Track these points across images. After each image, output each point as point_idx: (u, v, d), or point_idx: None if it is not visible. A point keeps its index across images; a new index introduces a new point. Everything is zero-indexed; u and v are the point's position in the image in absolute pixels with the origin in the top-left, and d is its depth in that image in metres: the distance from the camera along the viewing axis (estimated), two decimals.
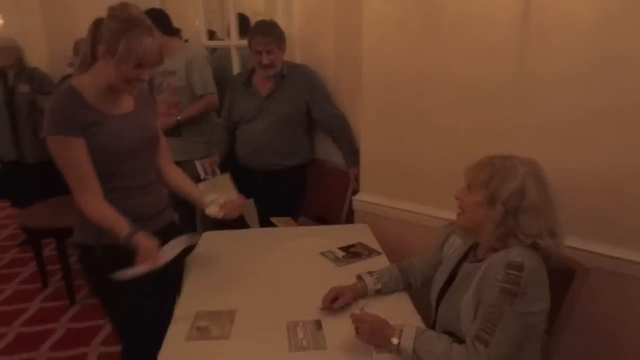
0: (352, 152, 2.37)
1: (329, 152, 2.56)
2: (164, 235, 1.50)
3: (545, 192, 1.20)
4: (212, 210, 1.67)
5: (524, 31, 1.61)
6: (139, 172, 1.53)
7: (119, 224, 1.40)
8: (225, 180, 1.84)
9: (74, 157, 1.38)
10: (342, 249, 1.83)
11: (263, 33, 2.29)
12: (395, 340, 1.18)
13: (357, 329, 1.24)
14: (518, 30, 1.62)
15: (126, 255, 1.39)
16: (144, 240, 1.39)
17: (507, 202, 1.18)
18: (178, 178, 1.71)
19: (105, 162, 1.43)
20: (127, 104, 1.52)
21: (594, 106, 1.51)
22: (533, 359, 1.24)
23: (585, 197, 1.58)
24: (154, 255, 1.39)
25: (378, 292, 1.51)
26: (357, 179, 2.31)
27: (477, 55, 1.73)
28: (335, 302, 1.43)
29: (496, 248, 1.22)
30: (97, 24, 1.39)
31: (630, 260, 1.52)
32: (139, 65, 1.37)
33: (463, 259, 1.36)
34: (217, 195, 1.71)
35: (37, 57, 3.66)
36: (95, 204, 1.42)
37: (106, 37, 1.35)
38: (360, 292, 1.49)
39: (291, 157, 2.47)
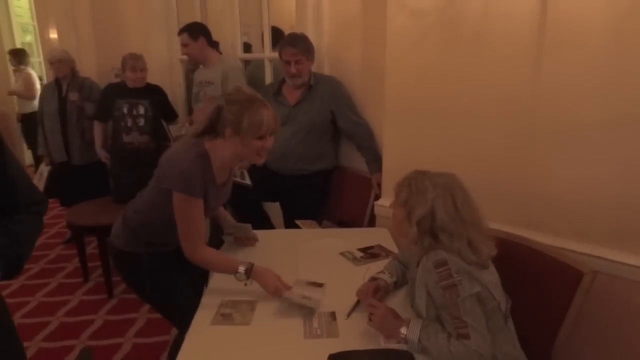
0: (375, 159, 2.46)
1: (353, 159, 2.66)
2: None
3: (457, 212, 1.28)
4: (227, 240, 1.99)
5: (540, 45, 1.66)
6: None
7: (234, 264, 1.58)
8: (248, 228, 2.01)
9: (195, 214, 1.56)
10: (361, 250, 1.91)
11: (292, 44, 2.44)
12: (404, 331, 1.27)
13: (370, 315, 1.33)
14: (534, 44, 1.68)
15: (168, 258, 1.65)
16: (264, 274, 1.56)
17: (420, 224, 1.28)
18: None
19: None
20: (228, 172, 1.71)
21: (607, 117, 1.55)
22: (499, 333, 1.31)
23: (598, 205, 1.61)
24: (279, 283, 1.54)
25: (395, 285, 1.59)
26: (379, 185, 2.39)
27: (495, 68, 1.80)
28: (376, 294, 1.50)
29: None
30: (219, 109, 1.55)
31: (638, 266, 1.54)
32: (261, 137, 1.54)
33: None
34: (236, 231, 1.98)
35: (88, 68, 3.93)
36: (203, 252, 1.60)
37: (230, 120, 1.51)
38: (384, 289, 1.57)
39: (316, 163, 2.57)
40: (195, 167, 1.53)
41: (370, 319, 1.33)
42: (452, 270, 1.23)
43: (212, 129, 1.57)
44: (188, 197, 1.52)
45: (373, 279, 1.58)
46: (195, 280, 1.79)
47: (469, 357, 1.19)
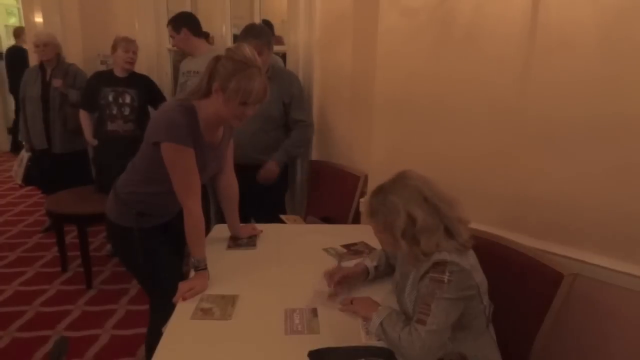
0: (287, 150, 2.52)
1: (333, 154, 2.65)
2: (177, 220, 1.65)
3: (429, 204, 1.27)
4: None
5: (529, 48, 1.68)
6: None
7: (201, 248, 1.60)
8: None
9: (189, 165, 1.53)
10: (345, 246, 1.91)
11: (255, 35, 2.40)
12: (374, 314, 1.31)
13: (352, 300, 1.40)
14: (524, 47, 1.69)
15: (157, 235, 1.67)
16: (201, 281, 1.57)
17: (405, 235, 1.27)
18: (228, 203, 1.92)
19: None
20: (220, 134, 1.68)
21: (592, 121, 1.57)
22: (481, 336, 1.33)
23: (581, 208, 1.63)
24: (195, 292, 1.54)
25: (377, 270, 1.61)
26: (269, 171, 2.47)
27: (485, 68, 1.80)
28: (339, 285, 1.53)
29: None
30: (216, 60, 1.51)
31: (618, 271, 1.56)
32: (244, 103, 1.49)
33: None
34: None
35: (74, 54, 3.85)
36: (199, 214, 1.58)
37: (221, 75, 1.48)
38: (362, 273, 1.59)
39: (269, 154, 2.55)
40: (179, 117, 1.50)
41: (352, 302, 1.39)
42: (447, 270, 1.23)
43: (206, 83, 1.54)
44: (176, 145, 1.49)
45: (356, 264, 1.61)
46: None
47: (411, 345, 1.20)
